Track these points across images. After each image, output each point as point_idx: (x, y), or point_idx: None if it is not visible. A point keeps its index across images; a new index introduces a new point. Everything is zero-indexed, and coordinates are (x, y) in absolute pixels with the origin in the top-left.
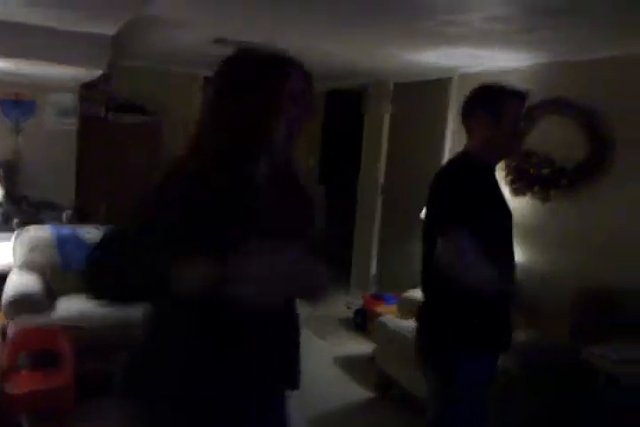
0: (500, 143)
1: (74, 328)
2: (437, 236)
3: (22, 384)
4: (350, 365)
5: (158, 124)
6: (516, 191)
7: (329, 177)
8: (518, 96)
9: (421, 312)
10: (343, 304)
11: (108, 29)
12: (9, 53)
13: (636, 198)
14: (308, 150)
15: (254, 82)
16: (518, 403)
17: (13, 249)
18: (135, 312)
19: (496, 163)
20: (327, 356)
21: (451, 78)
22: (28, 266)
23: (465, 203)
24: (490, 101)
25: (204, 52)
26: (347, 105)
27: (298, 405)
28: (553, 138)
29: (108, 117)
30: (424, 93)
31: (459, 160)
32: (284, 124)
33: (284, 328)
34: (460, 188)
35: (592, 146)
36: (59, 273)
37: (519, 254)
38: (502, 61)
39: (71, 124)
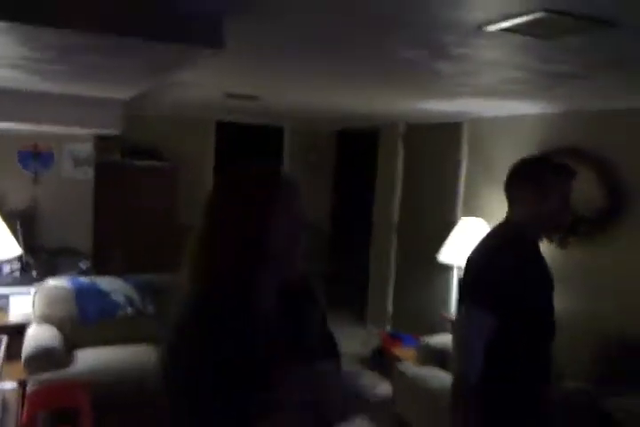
0: (547, 218)
1: (92, 384)
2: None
3: None
4: (369, 405)
5: (173, 169)
6: None
7: (342, 216)
8: (565, 170)
9: None
10: (359, 342)
11: (124, 96)
12: (30, 119)
13: None
14: (323, 188)
15: (245, 204)
16: None
17: (32, 303)
18: (147, 367)
19: (540, 237)
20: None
21: (461, 123)
22: (46, 319)
23: (496, 288)
24: (537, 176)
25: (215, 103)
26: (359, 144)
27: None
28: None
29: (123, 163)
30: (436, 135)
31: (502, 233)
32: (281, 239)
33: None
34: (497, 269)
35: (608, 194)
36: (77, 326)
37: None
38: (515, 109)
39: (88, 172)
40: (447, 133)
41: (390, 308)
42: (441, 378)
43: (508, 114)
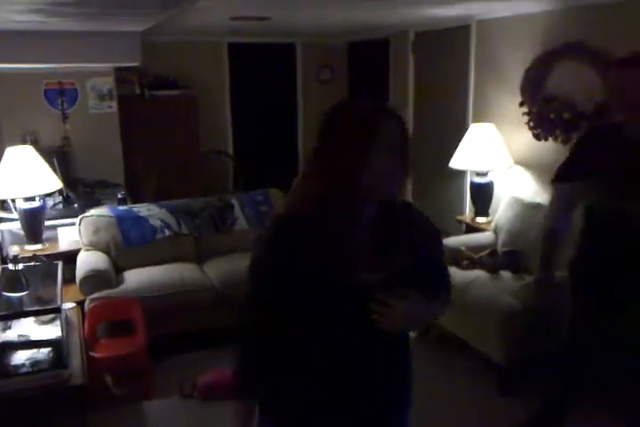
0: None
1: (142, 298)
2: None
3: (103, 351)
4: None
5: (192, 96)
6: (538, 136)
7: None
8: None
9: None
10: None
11: (140, 28)
12: (51, 59)
13: None
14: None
15: (348, 134)
16: None
17: (79, 232)
18: (188, 280)
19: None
20: None
21: (469, 26)
22: (93, 246)
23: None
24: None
25: (227, 26)
26: (370, 56)
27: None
28: (572, 83)
29: (144, 95)
30: (445, 40)
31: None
32: (382, 173)
33: (398, 354)
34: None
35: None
36: (121, 250)
37: (543, 195)
38: (518, 8)
39: (112, 106)
40: (455, 38)
41: None
42: (456, 276)
43: (512, 14)
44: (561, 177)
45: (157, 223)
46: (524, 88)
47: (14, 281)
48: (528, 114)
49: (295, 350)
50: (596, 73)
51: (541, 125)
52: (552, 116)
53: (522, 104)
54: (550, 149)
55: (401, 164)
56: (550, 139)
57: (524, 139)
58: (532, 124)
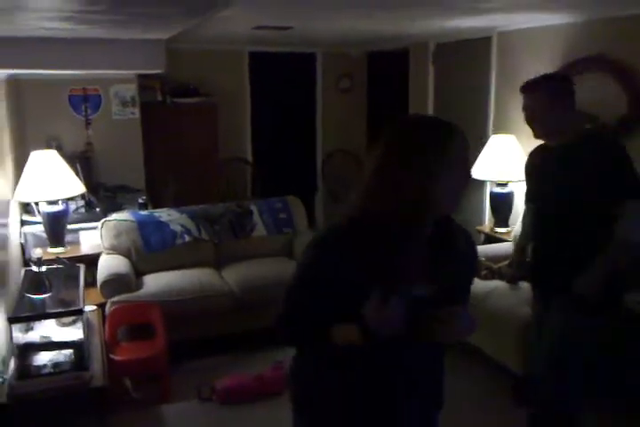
0: None
1: (162, 302)
2: None
3: (123, 354)
4: None
5: (213, 104)
6: None
7: (378, 137)
8: None
9: None
10: None
11: (164, 36)
12: (76, 66)
13: None
14: (357, 113)
15: (424, 148)
16: None
17: (100, 235)
18: (207, 285)
19: None
20: None
21: (490, 37)
22: (115, 249)
23: None
24: None
25: (247, 35)
26: (390, 67)
27: None
28: (594, 95)
29: (165, 102)
30: (465, 52)
31: None
32: (451, 188)
33: (433, 359)
34: None
35: (632, 102)
36: (142, 254)
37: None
38: (540, 20)
39: (134, 112)
40: (476, 49)
41: None
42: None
43: (534, 26)
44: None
45: (178, 228)
46: None
47: (37, 283)
48: None
49: (342, 353)
50: (618, 85)
51: None
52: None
53: None
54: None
55: (465, 179)
56: None
57: None
58: None
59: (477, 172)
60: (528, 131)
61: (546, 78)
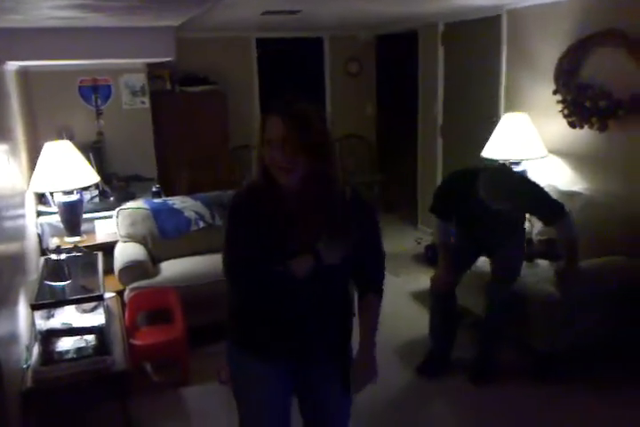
0: None
1: (179, 287)
2: None
3: (143, 338)
4: (426, 298)
5: (222, 91)
6: (573, 124)
7: (388, 121)
8: None
9: None
10: (413, 240)
11: (175, 23)
12: (86, 55)
13: None
14: (366, 97)
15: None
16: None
17: (116, 224)
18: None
19: None
20: (403, 291)
21: (499, 15)
22: (130, 237)
23: None
24: None
25: (254, 21)
26: (398, 49)
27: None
28: (607, 70)
29: (174, 91)
30: (475, 31)
31: None
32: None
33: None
34: None
35: None
36: (157, 241)
37: (580, 184)
38: None
39: (144, 102)
40: (485, 28)
41: None
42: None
43: (543, 2)
44: None
45: (192, 215)
46: (557, 76)
47: (57, 271)
48: (562, 102)
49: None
50: (632, 60)
51: (576, 113)
52: (587, 103)
53: (555, 92)
54: (586, 137)
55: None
56: (586, 126)
57: (557, 127)
58: (566, 112)
59: (491, 151)
60: (540, 108)
61: None
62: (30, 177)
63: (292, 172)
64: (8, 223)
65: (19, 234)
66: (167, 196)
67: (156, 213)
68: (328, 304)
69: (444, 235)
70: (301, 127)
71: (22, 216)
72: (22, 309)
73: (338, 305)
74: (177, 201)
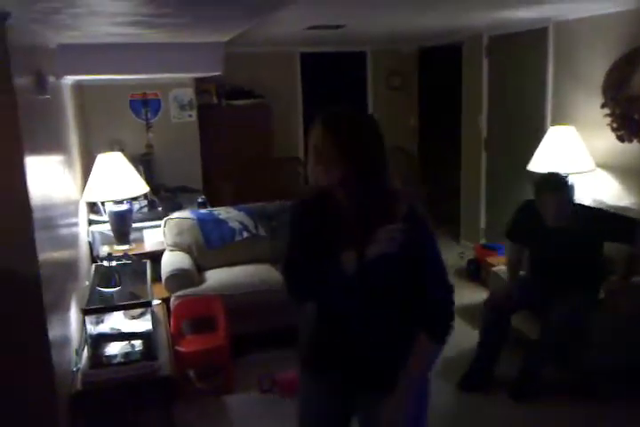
0: None
1: (223, 296)
2: None
3: (188, 346)
4: (469, 312)
5: (266, 105)
6: (622, 138)
7: (431, 134)
8: None
9: None
10: (456, 254)
11: (224, 38)
12: (138, 70)
13: None
14: (408, 110)
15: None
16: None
17: (163, 233)
18: (267, 280)
19: None
20: None
21: (546, 28)
22: (177, 247)
23: None
24: None
25: (299, 36)
26: (441, 63)
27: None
28: None
29: (221, 104)
30: (521, 44)
31: None
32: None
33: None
34: None
35: None
36: (203, 251)
37: (629, 199)
38: (598, 9)
39: (192, 115)
40: (532, 41)
41: (483, 223)
42: None
43: (592, 14)
44: None
45: (236, 225)
46: (605, 89)
47: (108, 277)
48: (611, 115)
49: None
50: None
51: (625, 127)
52: (636, 116)
53: (604, 106)
54: (635, 151)
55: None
56: (635, 140)
57: (606, 141)
58: (615, 125)
59: (537, 164)
60: (588, 121)
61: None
62: (83, 187)
63: (330, 176)
64: (62, 231)
65: (72, 242)
66: (212, 206)
67: (202, 223)
68: (379, 316)
69: (516, 253)
70: (336, 134)
71: (75, 224)
72: (74, 314)
73: (391, 320)
74: (222, 212)
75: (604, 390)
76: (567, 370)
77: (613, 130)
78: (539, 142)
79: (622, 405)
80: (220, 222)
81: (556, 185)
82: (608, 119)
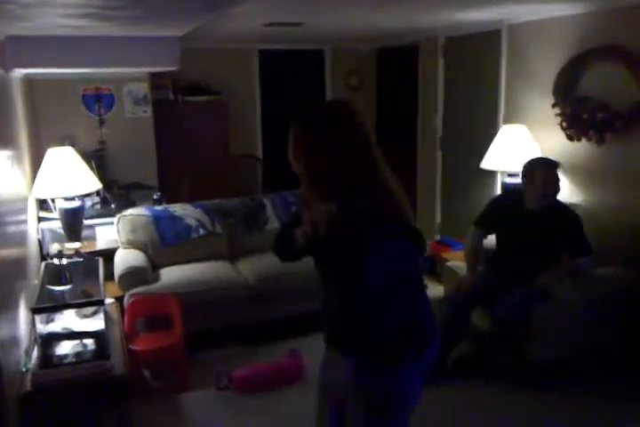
0: None
1: (179, 294)
2: None
3: (142, 344)
4: None
5: (223, 102)
6: (571, 137)
7: (387, 135)
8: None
9: None
10: None
11: (180, 33)
12: (91, 64)
13: None
14: (366, 109)
15: None
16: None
17: (117, 230)
18: (223, 277)
19: None
20: None
21: (499, 30)
22: (131, 244)
23: None
24: None
25: (257, 33)
26: (398, 62)
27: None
28: (605, 84)
29: (177, 100)
30: (475, 45)
31: None
32: None
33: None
34: None
35: None
36: (158, 248)
37: (578, 196)
38: (549, 12)
39: (147, 111)
40: (486, 42)
41: (439, 219)
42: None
43: (543, 17)
44: None
45: (192, 222)
46: (556, 90)
47: (58, 275)
48: (561, 115)
49: None
50: (630, 73)
51: (575, 126)
52: (585, 116)
53: (554, 105)
54: (584, 150)
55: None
56: (584, 139)
57: (556, 140)
58: (564, 124)
59: (489, 162)
60: (539, 121)
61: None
62: (33, 183)
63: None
64: (10, 228)
65: (20, 239)
66: (168, 203)
67: (157, 219)
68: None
69: (476, 242)
70: (297, 133)
71: (24, 222)
72: (23, 313)
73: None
74: (178, 208)
75: (556, 380)
76: (511, 359)
77: (563, 129)
78: (492, 140)
79: (563, 395)
80: (176, 219)
81: (549, 162)
82: (559, 119)
